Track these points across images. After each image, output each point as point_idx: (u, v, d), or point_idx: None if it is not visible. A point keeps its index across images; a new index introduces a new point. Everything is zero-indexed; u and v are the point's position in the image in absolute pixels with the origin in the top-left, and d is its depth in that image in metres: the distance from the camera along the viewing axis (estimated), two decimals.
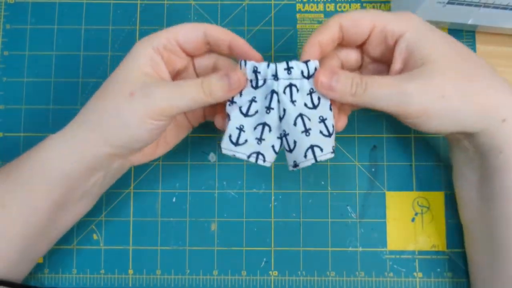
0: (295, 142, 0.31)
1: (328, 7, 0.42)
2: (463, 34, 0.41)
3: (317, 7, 0.42)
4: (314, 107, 0.31)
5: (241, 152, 0.32)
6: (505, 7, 0.35)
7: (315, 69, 0.31)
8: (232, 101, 0.32)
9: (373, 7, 0.42)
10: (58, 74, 0.41)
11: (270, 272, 0.39)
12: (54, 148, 0.31)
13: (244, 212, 0.40)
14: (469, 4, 0.35)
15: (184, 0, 0.42)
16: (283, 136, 0.32)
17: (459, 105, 0.29)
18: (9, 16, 0.42)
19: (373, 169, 0.40)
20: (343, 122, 0.34)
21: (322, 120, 0.31)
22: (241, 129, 0.32)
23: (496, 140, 0.30)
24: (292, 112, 0.31)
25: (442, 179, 0.40)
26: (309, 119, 0.31)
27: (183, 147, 0.39)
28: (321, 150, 0.31)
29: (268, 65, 0.31)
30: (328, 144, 0.31)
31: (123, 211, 0.40)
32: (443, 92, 0.29)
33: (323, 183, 0.40)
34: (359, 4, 0.42)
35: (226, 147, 0.32)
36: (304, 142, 0.31)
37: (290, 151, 0.31)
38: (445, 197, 0.39)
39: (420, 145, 0.40)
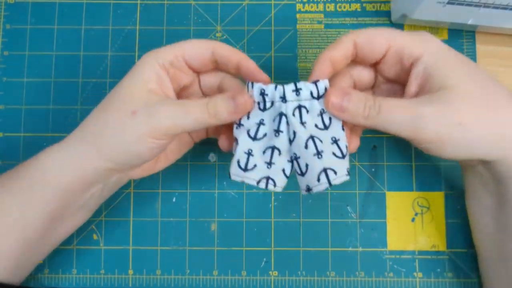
0: (307, 165, 0.30)
1: (328, 7, 0.42)
2: (463, 34, 0.41)
3: (317, 7, 0.42)
4: (326, 127, 0.30)
5: (250, 178, 0.30)
6: (505, 7, 0.35)
7: (325, 89, 0.30)
8: (239, 124, 0.31)
9: (373, 7, 0.42)
10: (58, 74, 0.41)
11: (270, 272, 0.39)
12: (52, 160, 0.30)
13: (244, 212, 0.40)
14: (469, 4, 0.35)
15: (184, 0, 0.42)
16: (294, 159, 0.30)
17: (476, 133, 0.28)
18: (9, 16, 0.42)
19: (373, 169, 0.40)
20: (355, 143, 0.33)
21: (335, 141, 0.30)
22: (249, 153, 0.31)
23: None
24: (303, 134, 0.30)
25: (442, 179, 0.40)
26: (321, 141, 0.30)
27: None
28: (335, 173, 0.29)
29: (276, 87, 0.30)
30: (342, 166, 0.30)
31: (123, 211, 0.40)
32: (460, 119, 0.27)
33: None
34: (359, 4, 0.42)
35: (235, 173, 0.31)
36: (317, 165, 0.29)
37: (302, 174, 0.30)
38: (445, 197, 0.39)
39: None
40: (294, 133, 0.30)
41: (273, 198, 0.40)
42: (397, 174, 0.40)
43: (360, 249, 0.39)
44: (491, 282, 0.34)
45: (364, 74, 0.33)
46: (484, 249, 0.34)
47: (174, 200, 0.40)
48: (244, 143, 0.31)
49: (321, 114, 0.30)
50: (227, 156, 0.32)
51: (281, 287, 0.39)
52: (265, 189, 0.31)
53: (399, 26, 0.41)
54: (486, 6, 0.35)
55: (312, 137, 0.30)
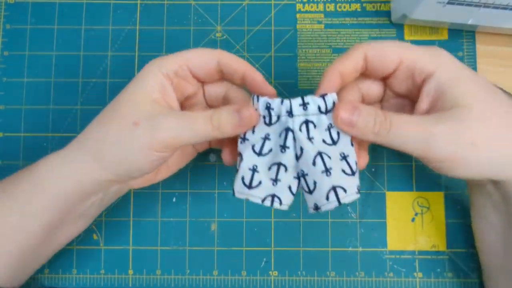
0: (315, 182, 0.28)
1: (328, 7, 0.42)
2: (463, 34, 0.41)
3: (317, 7, 0.42)
4: (334, 143, 0.29)
5: (255, 196, 0.29)
6: (505, 7, 0.35)
7: (334, 103, 0.29)
8: (244, 138, 0.30)
9: (373, 7, 0.42)
10: (58, 74, 0.41)
11: (270, 272, 0.39)
12: (52, 169, 0.30)
13: (244, 212, 0.40)
14: (469, 4, 0.35)
15: (184, 0, 0.42)
16: (301, 176, 0.29)
17: (489, 154, 0.27)
18: (9, 16, 0.42)
19: (373, 169, 0.40)
20: (364, 159, 0.32)
21: (344, 158, 0.29)
22: (254, 169, 0.29)
23: None
24: (310, 150, 0.28)
25: (442, 179, 0.40)
26: (329, 157, 0.28)
27: None
28: (345, 191, 0.28)
29: (282, 101, 0.29)
30: (352, 184, 0.28)
31: (123, 211, 0.40)
32: (473, 139, 0.27)
33: None
34: (359, 4, 0.42)
35: (240, 190, 0.29)
36: (325, 182, 0.28)
37: (310, 192, 0.29)
38: (445, 197, 0.39)
39: None
40: (301, 149, 0.29)
41: None
42: (397, 174, 0.40)
43: (360, 249, 0.39)
44: None
45: (373, 88, 0.32)
46: (490, 266, 0.34)
47: (174, 200, 0.40)
48: (248, 158, 0.29)
49: (329, 128, 0.29)
50: None
51: (281, 287, 0.39)
52: (271, 206, 0.29)
53: (399, 26, 0.41)
54: (486, 6, 0.35)
55: (320, 154, 0.28)
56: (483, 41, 0.41)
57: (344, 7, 0.42)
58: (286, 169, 0.29)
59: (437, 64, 0.28)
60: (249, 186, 0.29)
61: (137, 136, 0.28)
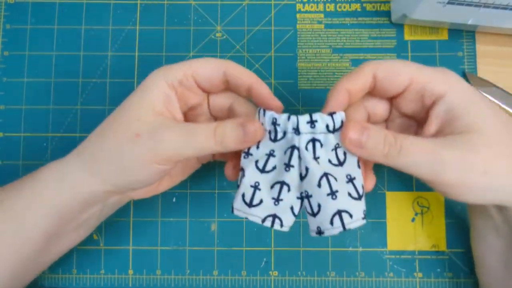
0: (319, 205, 0.27)
1: (328, 7, 0.42)
2: (463, 34, 0.41)
3: (317, 7, 0.42)
4: (340, 164, 0.28)
5: (255, 215, 0.28)
6: (505, 7, 0.35)
7: (342, 122, 0.28)
8: (248, 153, 0.29)
9: (373, 7, 0.42)
10: (58, 74, 0.41)
11: (270, 272, 0.39)
12: (50, 181, 0.30)
13: None
14: (469, 4, 0.35)
15: (184, 0, 0.42)
16: (305, 197, 0.28)
17: (500, 181, 0.27)
18: (9, 16, 0.42)
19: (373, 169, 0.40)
20: (371, 181, 0.31)
21: (350, 180, 0.28)
22: (256, 187, 0.28)
23: None
24: (316, 171, 0.27)
25: None
26: (336, 179, 0.27)
27: None
28: (350, 216, 0.27)
29: (289, 118, 0.27)
30: (358, 209, 0.27)
31: (123, 211, 0.40)
32: (485, 167, 0.26)
33: None
34: (359, 4, 0.42)
35: (240, 208, 0.28)
36: (330, 206, 0.27)
37: (314, 215, 0.27)
38: (445, 197, 0.39)
39: None
40: (307, 169, 0.27)
41: None
42: (397, 174, 0.40)
43: (360, 249, 0.39)
44: None
45: (379, 107, 0.31)
46: (489, 286, 0.33)
47: (174, 200, 0.40)
48: (251, 175, 0.28)
49: (336, 148, 0.28)
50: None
51: (281, 287, 0.39)
52: (271, 228, 0.28)
53: (399, 26, 0.41)
54: (486, 6, 0.35)
55: (326, 175, 0.27)
56: (483, 41, 0.41)
57: (344, 7, 0.42)
58: (289, 189, 0.28)
59: (448, 86, 0.27)
60: (250, 204, 0.28)
61: (138, 149, 0.27)
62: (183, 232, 0.39)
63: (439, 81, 0.28)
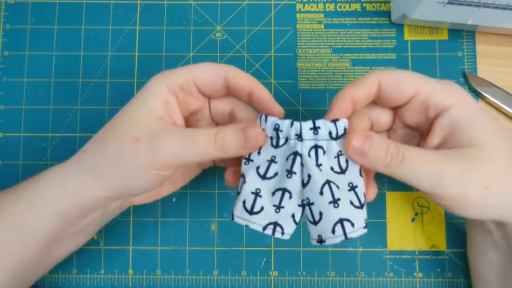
0: (321, 213, 0.27)
1: (328, 7, 0.42)
2: (463, 34, 0.41)
3: (317, 7, 0.42)
4: (342, 171, 0.28)
5: (256, 223, 0.27)
6: (505, 7, 0.35)
7: (345, 129, 0.27)
8: (248, 159, 0.28)
9: (373, 7, 0.42)
10: (58, 74, 0.41)
11: (270, 272, 0.39)
12: (51, 185, 0.29)
13: None
14: (469, 4, 0.35)
15: (184, 0, 0.42)
16: (306, 204, 0.27)
17: (502, 198, 0.26)
18: (9, 16, 0.42)
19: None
20: (373, 191, 0.31)
21: (352, 188, 0.27)
22: (257, 193, 0.28)
23: None
24: (319, 178, 0.27)
25: None
26: (338, 187, 0.27)
27: None
28: (352, 225, 0.26)
29: (292, 124, 0.27)
30: (359, 218, 0.27)
31: (123, 211, 0.40)
32: (487, 182, 0.26)
33: None
34: (359, 4, 0.42)
35: (240, 215, 0.28)
36: (332, 214, 0.26)
37: (315, 223, 0.27)
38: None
39: None
40: (309, 176, 0.27)
41: None
42: None
43: (360, 249, 0.39)
44: None
45: (383, 117, 0.31)
46: None
47: (174, 200, 0.40)
48: (252, 181, 0.28)
49: (338, 156, 0.28)
50: None
51: (281, 287, 0.39)
52: (272, 236, 0.28)
53: (399, 26, 0.41)
54: (486, 6, 0.35)
55: (328, 182, 0.27)
56: (483, 41, 0.41)
57: (344, 7, 0.42)
58: (290, 196, 0.28)
59: (453, 99, 0.27)
60: (251, 212, 0.27)
61: (137, 154, 0.27)
62: (183, 232, 0.39)
63: (444, 94, 0.27)
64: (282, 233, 0.28)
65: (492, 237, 0.31)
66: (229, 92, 0.31)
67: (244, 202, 0.28)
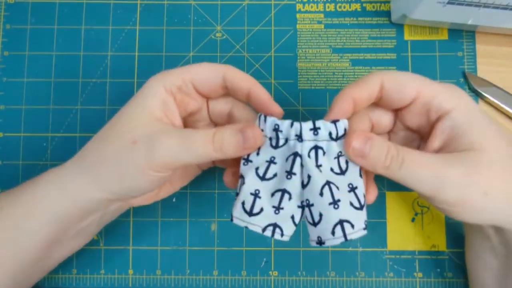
0: (320, 214, 0.27)
1: (328, 7, 0.42)
2: (463, 34, 0.41)
3: (317, 7, 0.42)
4: (342, 172, 0.27)
5: (255, 224, 0.27)
6: (505, 7, 0.35)
7: (345, 130, 0.27)
8: (247, 160, 0.28)
9: (373, 7, 0.42)
10: (58, 74, 0.41)
11: (270, 272, 0.39)
12: (49, 188, 0.29)
13: None
14: (469, 4, 0.35)
15: (184, 0, 0.42)
16: (306, 206, 0.27)
17: (500, 203, 0.26)
18: (9, 16, 0.42)
19: None
20: (373, 193, 0.30)
21: (352, 189, 0.27)
22: (256, 194, 0.27)
23: None
24: (319, 179, 0.27)
25: None
26: (338, 188, 0.27)
27: None
28: (352, 226, 0.26)
29: (292, 124, 0.27)
30: (359, 219, 0.27)
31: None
32: (486, 188, 0.26)
33: None
34: (359, 4, 0.42)
35: (239, 216, 0.28)
36: (332, 216, 0.26)
37: (314, 224, 0.27)
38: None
39: None
40: (309, 177, 0.27)
41: None
42: None
43: (360, 249, 0.39)
44: None
45: (384, 119, 0.31)
46: None
47: (174, 200, 0.40)
48: (251, 182, 0.28)
49: (338, 157, 0.27)
50: None
51: (281, 287, 0.39)
52: (271, 237, 0.27)
53: (399, 26, 0.41)
54: (486, 6, 0.35)
55: (328, 183, 0.27)
56: (483, 41, 0.41)
57: (344, 7, 0.42)
58: (290, 197, 0.27)
59: (455, 103, 0.27)
60: (250, 213, 0.27)
61: (135, 156, 0.27)
62: (183, 232, 0.39)
63: (446, 97, 0.27)
64: (282, 235, 0.28)
65: (491, 242, 0.31)
66: (228, 92, 0.31)
67: (243, 203, 0.28)
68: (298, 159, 0.27)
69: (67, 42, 0.42)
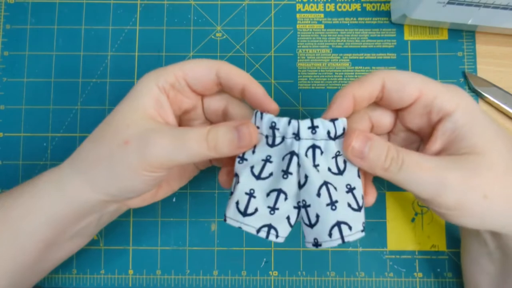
0: (317, 216, 0.26)
1: (328, 7, 0.42)
2: (463, 34, 0.41)
3: (317, 7, 0.42)
4: (340, 172, 0.27)
5: (249, 225, 0.26)
6: (505, 7, 0.35)
7: (343, 129, 0.27)
8: (243, 158, 0.27)
9: (373, 7, 0.42)
10: (58, 74, 0.41)
11: (270, 272, 0.39)
12: (45, 190, 0.29)
13: None
14: (469, 4, 0.35)
15: (184, 0, 0.42)
16: (302, 206, 0.27)
17: (500, 208, 0.26)
18: (9, 16, 0.42)
19: None
20: (372, 195, 0.30)
21: (350, 190, 0.27)
22: (251, 194, 0.27)
23: None
24: (316, 179, 0.26)
25: None
26: (335, 189, 0.26)
27: None
28: (350, 228, 0.25)
29: (289, 122, 0.26)
30: (357, 221, 0.26)
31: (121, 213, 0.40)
32: (486, 191, 0.25)
33: None
34: (359, 4, 0.42)
35: (233, 216, 0.27)
36: (329, 217, 0.25)
37: (311, 226, 0.26)
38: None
39: None
40: (306, 177, 0.26)
41: None
42: None
43: (360, 249, 0.39)
44: None
45: (384, 119, 0.30)
46: None
47: (174, 200, 0.40)
48: (246, 181, 0.27)
49: (336, 156, 0.27)
50: None
51: (281, 287, 0.39)
52: (265, 239, 0.26)
53: (399, 26, 0.41)
54: (486, 6, 0.35)
55: (326, 184, 0.26)
56: (483, 41, 0.41)
57: (344, 7, 0.42)
58: (286, 197, 0.27)
59: (457, 104, 0.26)
60: (244, 213, 0.26)
61: (127, 156, 0.26)
62: (183, 232, 0.39)
63: (448, 97, 0.27)
64: (277, 236, 0.27)
65: (487, 247, 0.30)
66: (222, 89, 0.30)
67: (237, 203, 0.27)
68: (295, 158, 0.26)
69: (67, 42, 0.42)
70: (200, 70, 0.29)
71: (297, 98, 0.41)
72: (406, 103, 0.28)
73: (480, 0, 0.35)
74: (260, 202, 0.27)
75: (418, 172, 0.25)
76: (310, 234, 0.27)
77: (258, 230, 0.26)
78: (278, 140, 0.27)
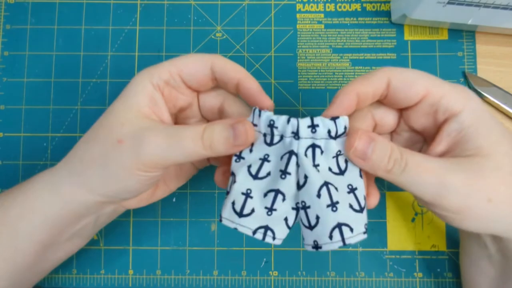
0: (317, 217, 0.25)
1: (328, 7, 0.42)
2: (463, 34, 0.41)
3: (317, 7, 0.42)
4: (341, 172, 0.26)
5: (245, 226, 0.26)
6: (505, 7, 0.35)
7: (345, 128, 0.26)
8: (240, 156, 0.26)
9: (373, 7, 0.42)
10: (58, 74, 0.41)
11: (270, 272, 0.39)
12: (41, 191, 0.29)
13: None
14: (469, 4, 0.35)
15: (184, 0, 0.42)
16: (301, 208, 0.26)
17: (504, 212, 0.25)
18: (9, 16, 0.42)
19: None
20: (375, 196, 0.29)
21: (352, 190, 0.26)
22: (247, 194, 0.26)
23: None
24: (316, 180, 0.25)
25: None
26: (336, 189, 0.25)
27: None
28: (351, 230, 0.25)
29: (288, 120, 0.25)
30: (359, 222, 0.25)
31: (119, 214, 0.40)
32: (491, 195, 0.25)
33: None
34: (359, 4, 0.42)
35: (228, 217, 0.26)
36: (330, 218, 0.25)
37: (310, 228, 0.25)
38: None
39: None
40: (306, 177, 0.25)
41: None
42: None
43: (360, 249, 0.39)
44: None
45: (388, 118, 0.29)
46: None
47: (174, 200, 0.40)
48: (242, 180, 0.26)
49: (337, 156, 0.26)
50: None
51: (281, 287, 0.39)
52: (262, 240, 0.26)
53: (399, 26, 0.41)
54: (486, 6, 0.35)
55: (326, 184, 0.25)
56: (483, 41, 0.41)
57: (344, 7, 0.42)
58: (284, 198, 0.26)
59: (463, 105, 0.26)
60: (240, 214, 0.26)
61: (121, 156, 0.25)
62: (183, 232, 0.39)
63: (455, 97, 0.26)
64: (273, 238, 0.26)
65: (488, 250, 0.30)
66: (217, 84, 0.29)
67: (233, 203, 0.26)
68: (293, 158, 0.25)
69: (67, 42, 0.42)
70: (194, 65, 0.28)
71: (297, 98, 0.41)
72: (412, 102, 0.27)
73: (480, 0, 0.35)
74: (257, 203, 0.26)
75: (422, 174, 0.25)
76: (309, 236, 0.26)
77: (254, 232, 0.26)
78: (276, 138, 0.26)
